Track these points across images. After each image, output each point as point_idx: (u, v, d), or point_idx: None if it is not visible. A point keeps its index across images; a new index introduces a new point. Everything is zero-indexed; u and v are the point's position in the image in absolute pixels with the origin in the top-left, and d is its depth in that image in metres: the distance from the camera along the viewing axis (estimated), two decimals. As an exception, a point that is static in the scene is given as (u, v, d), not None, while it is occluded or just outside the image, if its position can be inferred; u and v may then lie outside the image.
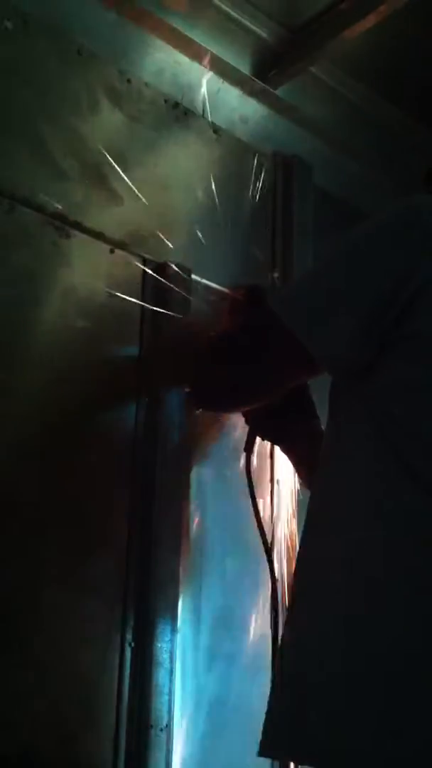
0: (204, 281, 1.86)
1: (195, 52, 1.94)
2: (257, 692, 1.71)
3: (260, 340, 1.25)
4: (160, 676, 1.52)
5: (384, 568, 1.00)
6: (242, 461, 1.72)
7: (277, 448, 1.78)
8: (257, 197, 2.07)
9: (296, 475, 1.76)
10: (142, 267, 1.74)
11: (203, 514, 1.73)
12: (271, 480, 1.85)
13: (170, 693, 1.53)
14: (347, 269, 1.09)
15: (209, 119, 1.99)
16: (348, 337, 1.05)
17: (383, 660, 0.96)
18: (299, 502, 1.82)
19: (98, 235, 1.68)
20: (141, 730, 1.48)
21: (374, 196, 2.25)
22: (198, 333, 1.69)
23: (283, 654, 1.21)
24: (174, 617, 1.58)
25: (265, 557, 1.71)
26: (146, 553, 1.57)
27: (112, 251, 1.70)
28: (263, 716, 1.22)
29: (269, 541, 1.72)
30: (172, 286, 1.73)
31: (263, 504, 1.78)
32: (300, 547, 1.27)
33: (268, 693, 1.27)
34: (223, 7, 1.93)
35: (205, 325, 1.73)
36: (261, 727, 1.22)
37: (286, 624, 1.24)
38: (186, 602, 1.64)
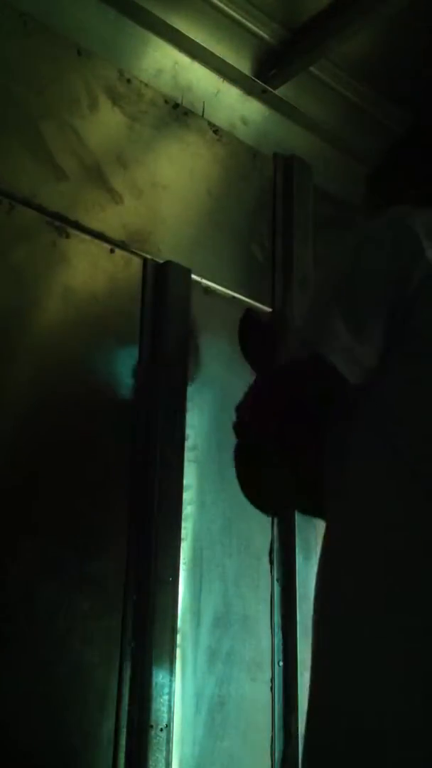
0: (204, 281, 1.86)
1: (195, 52, 1.94)
2: (257, 692, 1.72)
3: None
4: (160, 676, 1.52)
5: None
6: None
7: None
8: (257, 197, 2.07)
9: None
10: (142, 267, 1.74)
11: (203, 514, 1.73)
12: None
13: (170, 693, 1.53)
14: (355, 286, 1.08)
15: (209, 119, 1.99)
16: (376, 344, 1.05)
17: None
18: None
19: (98, 235, 1.68)
20: (141, 730, 1.48)
21: (374, 196, 2.25)
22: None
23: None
24: (174, 617, 1.58)
25: (265, 557, 1.71)
26: (146, 553, 1.57)
27: (112, 251, 1.70)
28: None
29: (270, 539, 1.72)
30: (172, 286, 1.73)
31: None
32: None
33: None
34: (223, 7, 1.93)
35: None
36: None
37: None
38: (186, 602, 1.64)
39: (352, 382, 1.04)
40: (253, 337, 1.55)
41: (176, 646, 1.57)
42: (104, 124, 1.75)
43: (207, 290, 1.88)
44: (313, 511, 1.36)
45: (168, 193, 1.85)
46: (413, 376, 1.04)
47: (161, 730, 1.50)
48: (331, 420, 1.15)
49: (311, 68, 2.10)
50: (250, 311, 1.65)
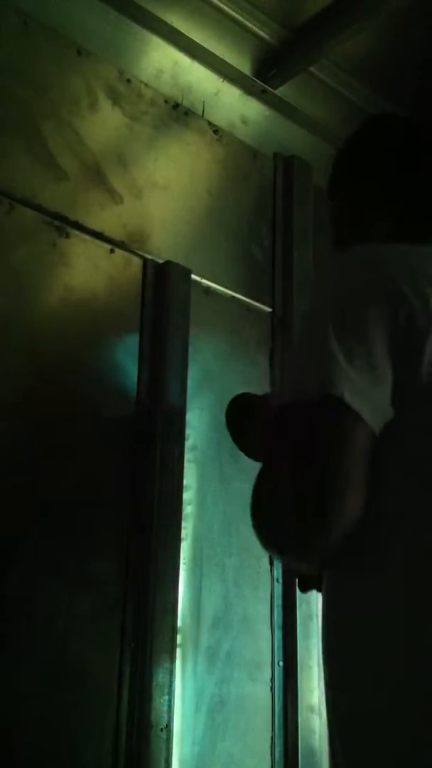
0: (204, 281, 1.86)
1: (195, 52, 1.94)
2: (257, 692, 1.72)
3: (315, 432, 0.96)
4: (160, 676, 1.52)
5: None
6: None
7: None
8: (257, 197, 2.07)
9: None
10: (142, 267, 1.74)
11: (203, 513, 1.73)
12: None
13: (170, 693, 1.53)
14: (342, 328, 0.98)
15: (209, 119, 1.99)
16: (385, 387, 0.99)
17: None
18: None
19: (98, 235, 1.68)
20: (141, 730, 1.48)
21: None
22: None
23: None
24: (174, 617, 1.58)
25: (265, 557, 1.71)
26: (146, 553, 1.57)
27: (112, 251, 1.70)
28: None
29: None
30: (172, 286, 1.73)
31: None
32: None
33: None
34: (223, 7, 1.93)
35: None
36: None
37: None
38: (186, 602, 1.64)
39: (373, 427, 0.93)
40: (248, 427, 1.36)
41: (176, 646, 1.57)
42: (104, 124, 1.75)
43: (207, 290, 1.88)
44: None
45: (168, 193, 1.85)
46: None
47: (161, 730, 1.50)
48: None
49: (311, 68, 2.10)
50: (237, 398, 1.43)
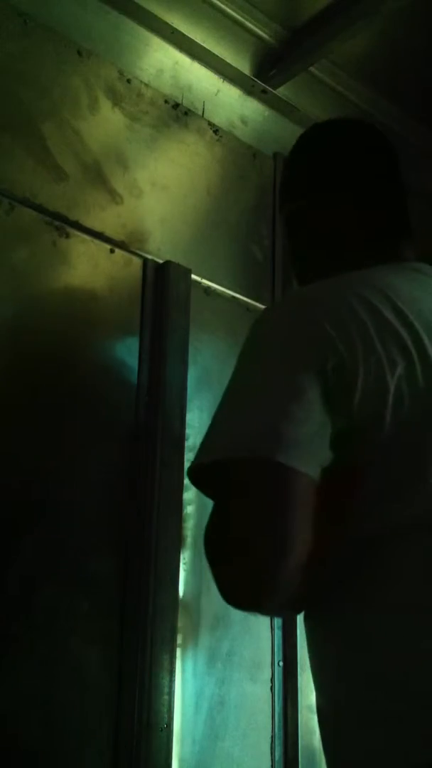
0: (204, 281, 1.86)
1: (195, 52, 1.95)
2: (257, 692, 1.72)
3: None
4: (160, 676, 1.52)
5: None
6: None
7: None
8: (257, 197, 2.07)
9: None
10: (142, 267, 1.74)
11: (203, 514, 1.73)
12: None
13: (170, 693, 1.53)
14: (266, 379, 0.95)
15: (209, 119, 1.99)
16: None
17: None
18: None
19: (98, 235, 1.68)
20: (141, 730, 1.48)
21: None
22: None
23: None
24: (174, 617, 1.58)
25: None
26: (146, 553, 1.57)
27: (112, 251, 1.70)
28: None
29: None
30: (172, 286, 1.73)
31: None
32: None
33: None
34: (223, 7, 1.93)
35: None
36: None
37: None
38: (186, 602, 1.64)
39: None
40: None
41: (176, 646, 1.57)
42: (104, 124, 1.75)
43: (207, 290, 1.88)
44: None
45: (168, 193, 1.85)
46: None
47: (161, 730, 1.50)
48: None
49: (311, 68, 2.10)
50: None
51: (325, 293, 1.02)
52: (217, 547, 0.95)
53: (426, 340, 0.96)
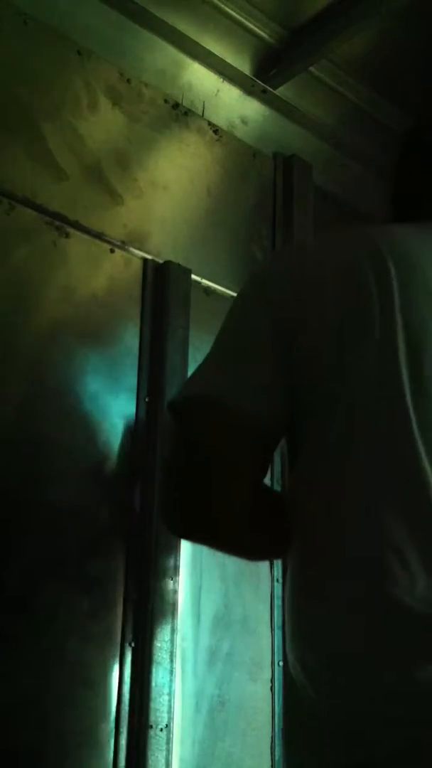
0: (204, 281, 1.86)
1: (195, 52, 1.95)
2: (257, 692, 1.72)
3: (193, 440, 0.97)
4: (160, 676, 1.52)
5: None
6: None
7: None
8: (257, 197, 2.07)
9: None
10: (142, 267, 1.74)
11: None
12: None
13: (170, 693, 1.53)
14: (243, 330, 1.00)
15: (209, 119, 1.99)
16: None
17: None
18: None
19: (98, 235, 1.68)
20: (141, 730, 1.48)
21: (374, 196, 2.25)
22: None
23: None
24: (174, 617, 1.58)
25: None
26: (146, 553, 1.57)
27: (112, 251, 1.70)
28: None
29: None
30: (172, 286, 1.73)
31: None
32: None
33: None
34: (223, 7, 1.93)
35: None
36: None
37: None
38: (186, 602, 1.64)
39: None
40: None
41: (176, 646, 1.57)
42: (104, 124, 1.75)
43: (207, 290, 1.88)
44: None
45: (168, 193, 1.85)
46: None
47: (161, 730, 1.50)
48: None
49: (311, 68, 2.10)
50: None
51: (316, 248, 1.05)
52: (174, 473, 1.01)
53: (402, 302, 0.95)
